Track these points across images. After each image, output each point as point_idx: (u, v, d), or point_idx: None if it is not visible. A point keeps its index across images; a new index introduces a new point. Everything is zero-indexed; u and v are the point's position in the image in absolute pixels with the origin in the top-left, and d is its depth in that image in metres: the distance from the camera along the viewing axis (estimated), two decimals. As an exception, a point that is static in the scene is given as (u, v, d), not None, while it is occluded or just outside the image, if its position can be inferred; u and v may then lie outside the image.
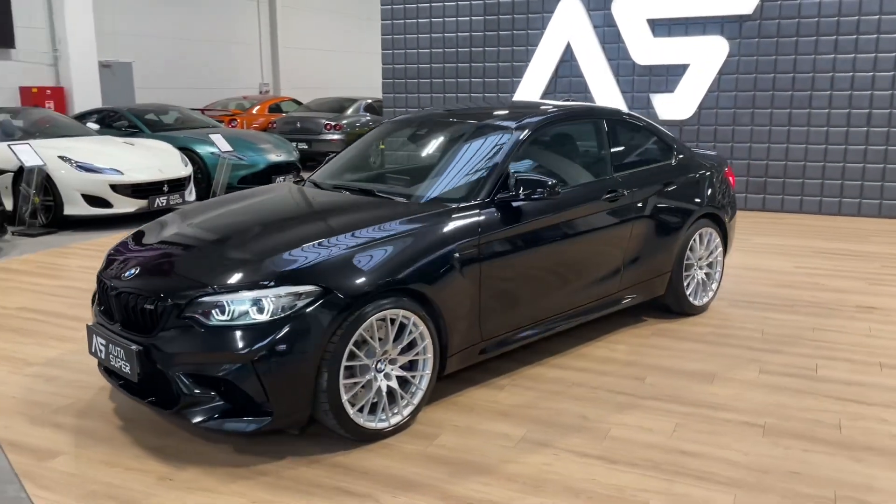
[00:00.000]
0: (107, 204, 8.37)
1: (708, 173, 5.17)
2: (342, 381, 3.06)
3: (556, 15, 10.05)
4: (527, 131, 4.13)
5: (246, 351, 2.92)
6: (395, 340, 3.27)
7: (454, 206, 3.70)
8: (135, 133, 10.83)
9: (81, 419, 3.51)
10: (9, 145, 8.17)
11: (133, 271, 3.33)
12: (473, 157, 4.09)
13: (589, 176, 4.54)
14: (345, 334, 3.05)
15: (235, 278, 3.08)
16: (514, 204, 3.82)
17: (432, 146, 4.79)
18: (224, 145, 10.14)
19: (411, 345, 3.35)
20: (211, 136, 10.34)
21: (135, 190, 8.56)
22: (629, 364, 4.20)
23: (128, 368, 3.15)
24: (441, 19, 10.87)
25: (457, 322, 3.51)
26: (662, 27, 9.53)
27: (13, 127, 9.80)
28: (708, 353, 4.35)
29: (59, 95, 14.41)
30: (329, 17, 22.94)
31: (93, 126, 10.87)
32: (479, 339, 3.70)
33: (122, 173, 8.50)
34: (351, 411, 3.13)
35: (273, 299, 2.99)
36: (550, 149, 4.50)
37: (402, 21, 11.13)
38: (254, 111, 16.48)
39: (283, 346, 2.94)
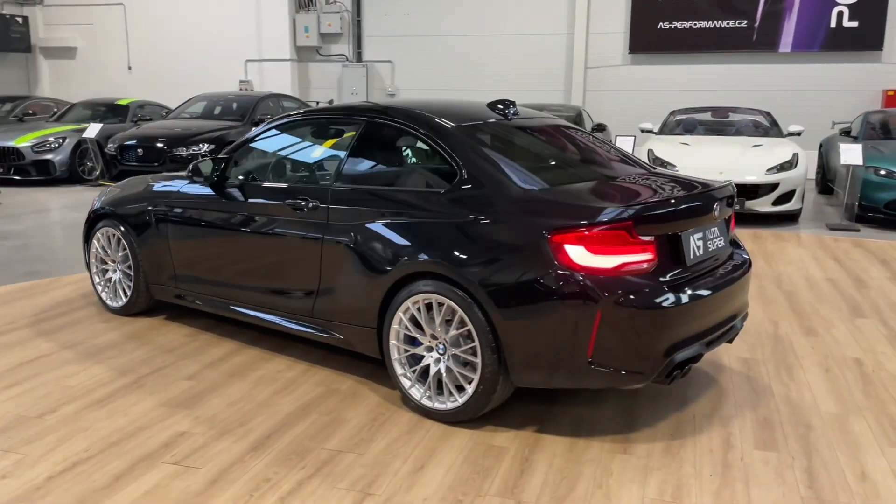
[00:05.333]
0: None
1: (469, 222, 3.34)
2: (93, 271, 5.17)
3: None
4: (255, 132, 4.63)
5: None
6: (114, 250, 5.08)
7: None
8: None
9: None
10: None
11: None
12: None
13: (299, 178, 4.46)
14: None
15: None
16: (200, 185, 4.42)
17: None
18: (851, 156, 8.56)
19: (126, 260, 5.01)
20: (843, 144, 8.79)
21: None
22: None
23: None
24: None
25: (146, 261, 4.71)
26: None
27: (695, 122, 11.07)
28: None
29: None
30: None
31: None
32: (174, 286, 4.60)
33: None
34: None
35: None
36: (289, 147, 4.35)
37: None
38: None
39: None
